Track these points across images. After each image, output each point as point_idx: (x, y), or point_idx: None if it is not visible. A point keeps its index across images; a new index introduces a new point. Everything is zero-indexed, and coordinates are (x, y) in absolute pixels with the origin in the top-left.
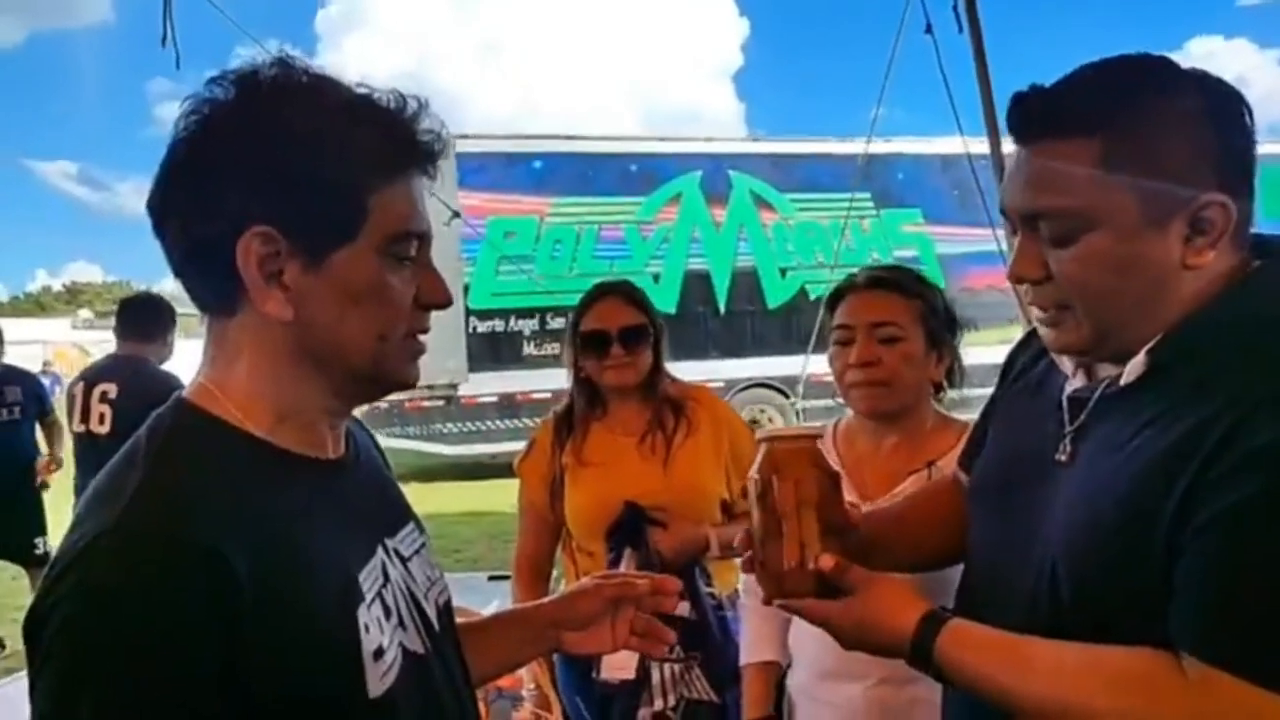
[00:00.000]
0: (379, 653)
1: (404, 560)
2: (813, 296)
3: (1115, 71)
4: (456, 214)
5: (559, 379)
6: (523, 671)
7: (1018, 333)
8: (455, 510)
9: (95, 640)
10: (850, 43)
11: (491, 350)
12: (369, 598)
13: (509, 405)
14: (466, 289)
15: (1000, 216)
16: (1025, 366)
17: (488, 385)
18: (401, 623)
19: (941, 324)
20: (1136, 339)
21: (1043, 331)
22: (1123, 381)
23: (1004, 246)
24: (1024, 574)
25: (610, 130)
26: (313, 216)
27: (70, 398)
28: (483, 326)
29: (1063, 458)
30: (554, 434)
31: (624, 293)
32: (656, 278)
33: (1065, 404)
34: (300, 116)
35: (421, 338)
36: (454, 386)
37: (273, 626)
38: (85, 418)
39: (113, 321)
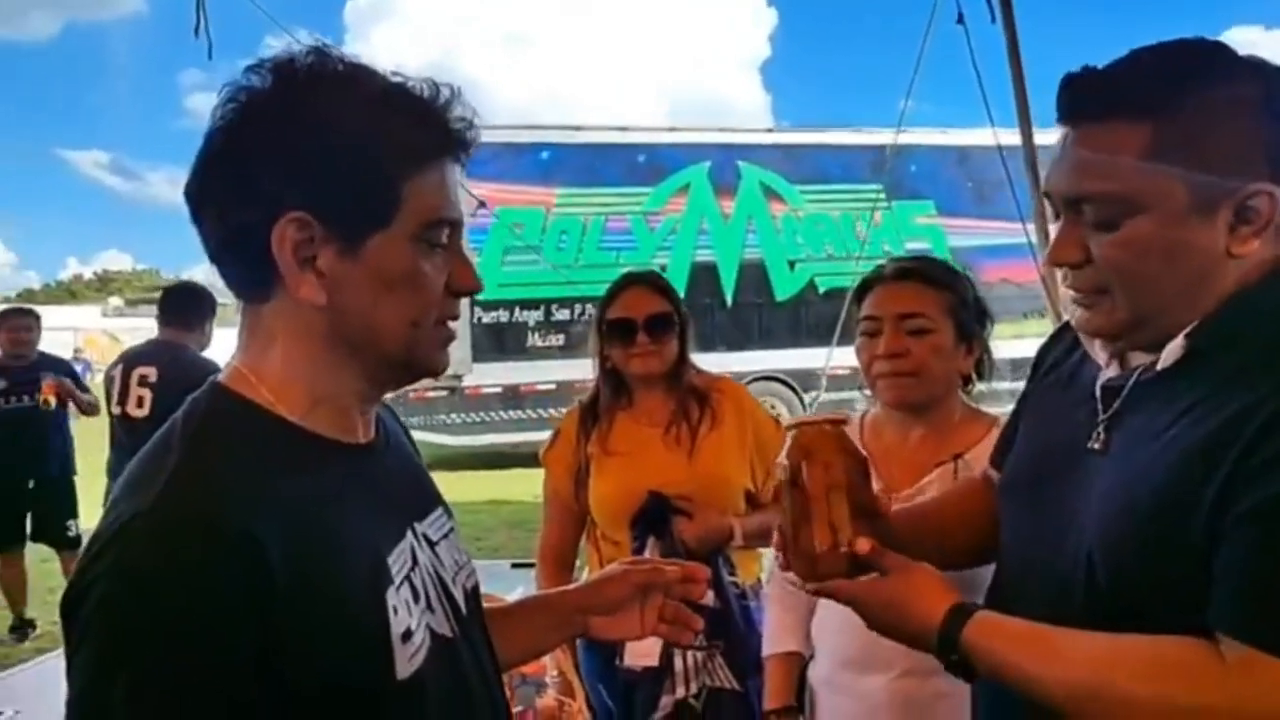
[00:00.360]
0: (407, 635)
1: (432, 544)
2: (821, 289)
3: (1170, 56)
4: (482, 204)
5: (563, 370)
6: (546, 658)
7: (1032, 327)
8: (477, 499)
9: (131, 622)
10: (879, 34)
11: (496, 341)
12: (398, 580)
13: (513, 396)
14: None
15: (1027, 208)
16: (1057, 360)
17: (492, 376)
18: (429, 606)
19: (971, 316)
20: (1172, 325)
21: (1076, 314)
22: (1160, 366)
23: (1033, 240)
24: (1057, 564)
25: (636, 121)
26: (348, 203)
27: (109, 380)
28: (487, 317)
29: (1096, 446)
30: (579, 424)
31: (651, 282)
32: (663, 269)
33: (1099, 393)
34: (336, 104)
35: (452, 324)
36: (458, 377)
37: (304, 610)
38: (123, 400)
39: (142, 309)
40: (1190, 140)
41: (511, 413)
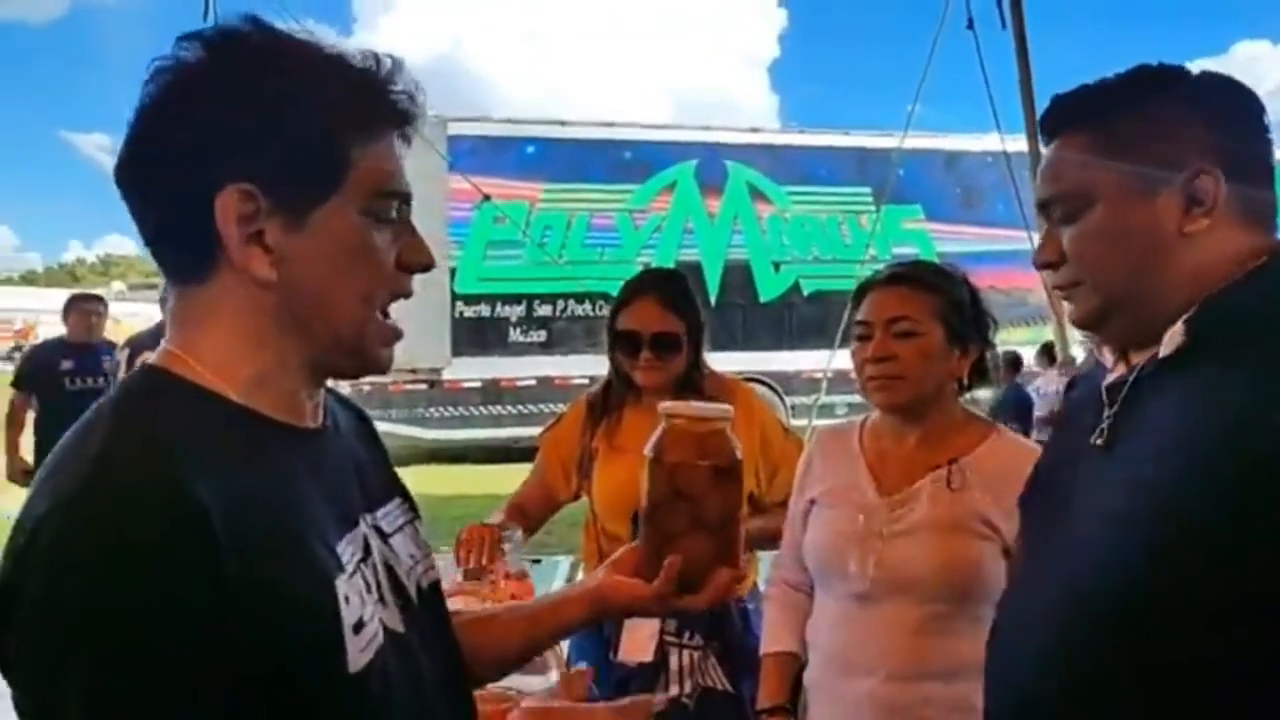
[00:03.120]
0: (359, 626)
1: (385, 536)
2: (806, 292)
3: (1120, 78)
4: (487, 197)
5: (544, 366)
6: None
7: (1018, 334)
8: (459, 492)
9: (72, 618)
10: (889, 37)
11: (477, 335)
12: (349, 569)
13: (493, 391)
14: (453, 273)
15: (1031, 215)
16: (1078, 392)
17: (472, 371)
18: (381, 599)
19: (966, 319)
20: (1147, 311)
21: (1067, 309)
22: (1162, 354)
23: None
24: (1060, 563)
25: (642, 119)
26: (293, 171)
27: (114, 366)
28: (469, 311)
29: (1099, 442)
30: (587, 413)
31: (663, 294)
32: (647, 267)
33: (1104, 393)
34: (275, 73)
35: (393, 320)
36: (437, 371)
37: (250, 590)
38: None
39: (145, 294)
40: (1127, 139)
41: (491, 408)
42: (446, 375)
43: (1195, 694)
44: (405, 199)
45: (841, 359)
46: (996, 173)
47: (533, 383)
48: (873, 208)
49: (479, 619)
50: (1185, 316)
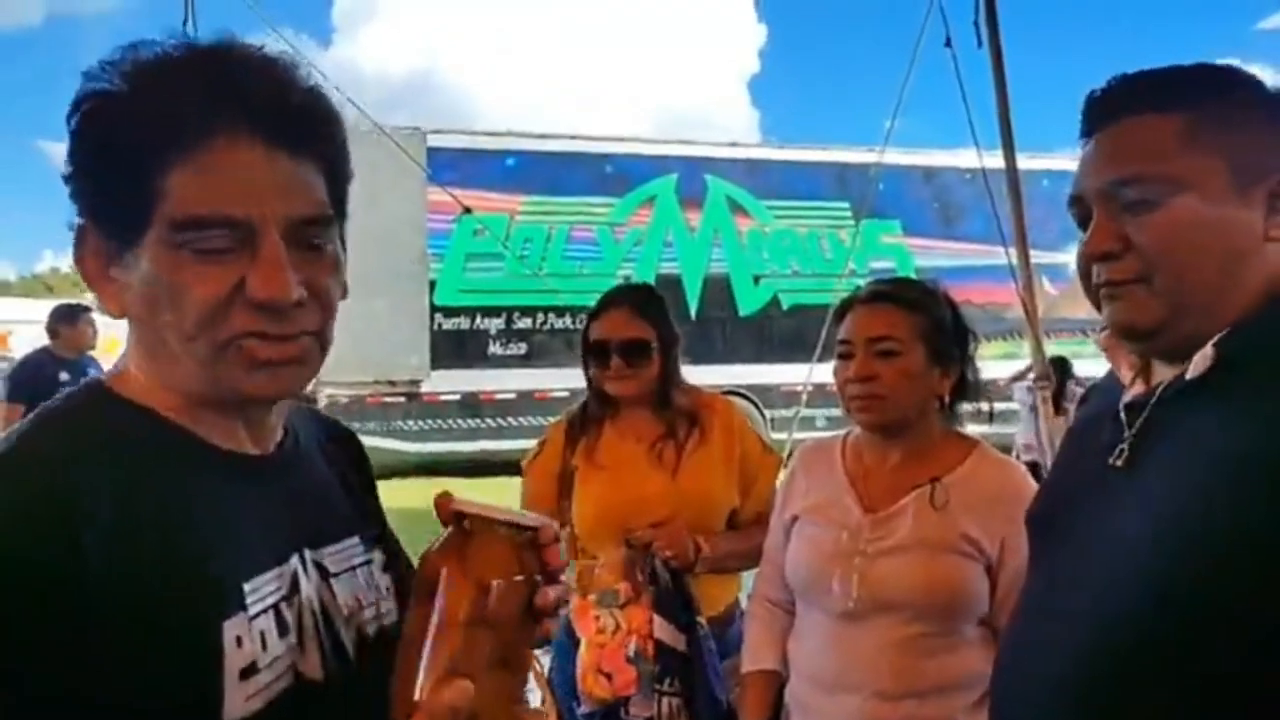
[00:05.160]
0: (250, 671)
1: (327, 575)
2: (786, 306)
3: (1195, 66)
4: (467, 209)
5: (524, 379)
6: None
7: (994, 349)
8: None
9: None
10: (868, 53)
11: (456, 348)
12: (255, 609)
13: (472, 404)
14: (433, 285)
15: (1008, 232)
16: (1088, 409)
17: (450, 383)
18: (300, 643)
19: (948, 338)
20: (1204, 323)
21: (1108, 311)
22: (1189, 375)
23: (1013, 261)
24: (1076, 588)
25: (623, 132)
26: (104, 208)
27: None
28: (448, 324)
29: (1119, 464)
30: (566, 433)
31: (633, 303)
32: (626, 280)
33: (1123, 412)
34: (95, 100)
35: (261, 344)
36: (416, 383)
37: (121, 616)
38: None
39: None
40: (1226, 126)
41: (470, 421)
42: (425, 387)
43: None
44: (237, 224)
45: (821, 373)
46: (974, 188)
47: (512, 395)
48: (852, 222)
49: None
50: (1215, 339)
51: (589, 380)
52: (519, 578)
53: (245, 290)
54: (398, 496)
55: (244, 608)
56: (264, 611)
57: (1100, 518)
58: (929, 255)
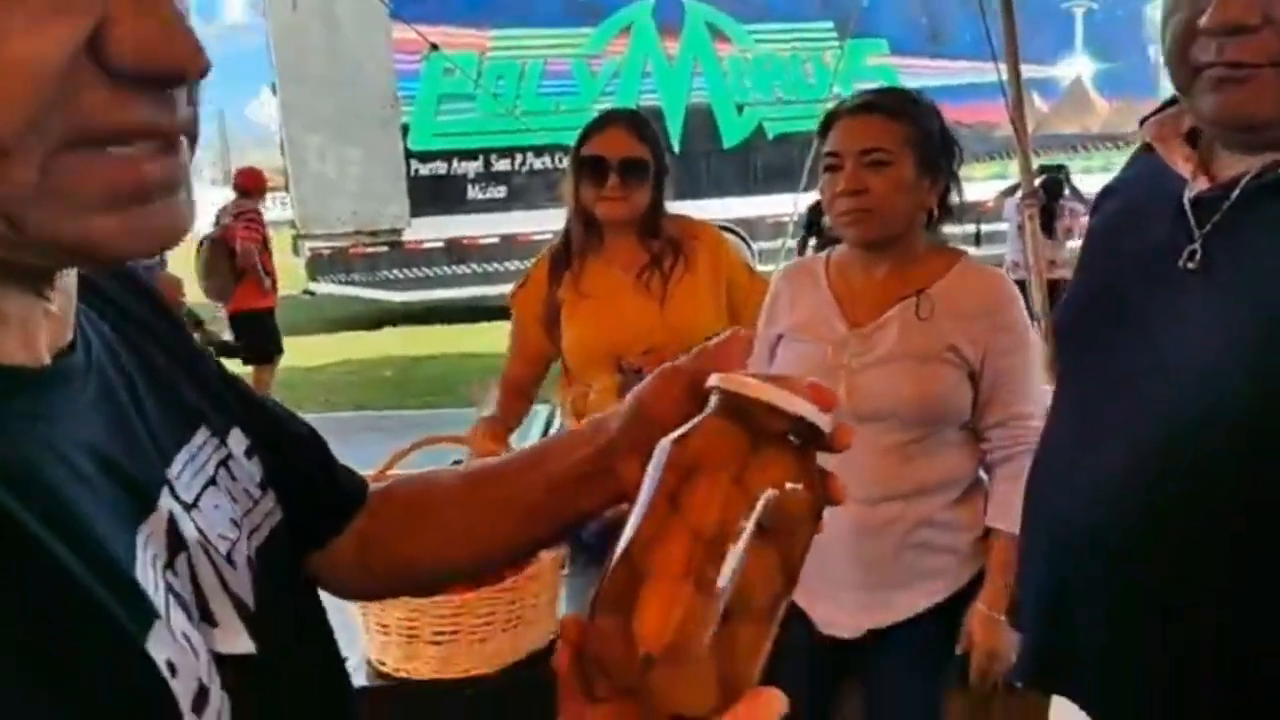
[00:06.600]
0: (201, 698)
1: (189, 507)
2: (771, 135)
3: None
4: (435, 46)
5: (504, 223)
6: None
7: (981, 170)
8: (436, 352)
9: None
10: None
11: (435, 194)
12: (161, 607)
13: (456, 250)
14: (406, 130)
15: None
16: (1118, 205)
17: (432, 230)
18: (209, 617)
19: (935, 148)
20: None
21: (1217, 97)
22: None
23: (1004, 77)
24: (1143, 392)
25: None
26: None
27: None
28: (424, 170)
29: (1191, 266)
30: (550, 267)
31: (631, 123)
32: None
33: (1189, 208)
34: None
35: (133, 150)
36: (397, 232)
37: None
38: None
39: None
40: None
41: (455, 268)
42: (407, 236)
43: None
44: None
45: (808, 203)
46: (965, 2)
47: (496, 240)
48: (836, 44)
49: (423, 497)
50: None
51: (576, 203)
52: (799, 485)
53: (103, 44)
54: (391, 346)
55: (154, 612)
56: (168, 598)
57: (1173, 320)
58: (917, 75)
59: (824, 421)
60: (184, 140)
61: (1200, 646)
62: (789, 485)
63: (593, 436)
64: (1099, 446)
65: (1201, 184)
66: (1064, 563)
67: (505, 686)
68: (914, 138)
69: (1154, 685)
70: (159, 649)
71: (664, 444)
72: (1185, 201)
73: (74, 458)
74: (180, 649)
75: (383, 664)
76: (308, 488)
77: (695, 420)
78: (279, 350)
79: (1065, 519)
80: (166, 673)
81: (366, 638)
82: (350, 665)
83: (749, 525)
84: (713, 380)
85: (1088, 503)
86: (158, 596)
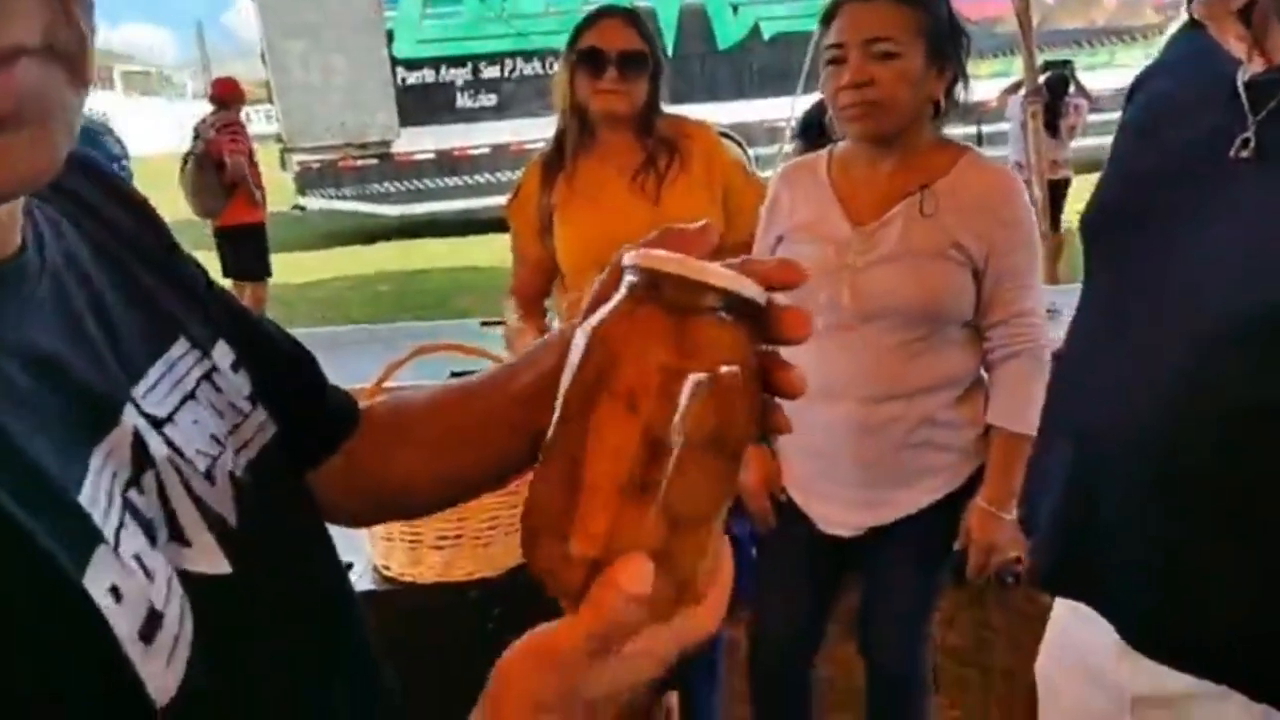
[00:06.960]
0: (151, 624)
1: (161, 424)
2: (767, 36)
3: None
4: None
5: (495, 132)
6: None
7: (984, 68)
8: (432, 266)
9: None
10: None
11: (423, 103)
12: (110, 531)
13: (447, 161)
14: (390, 36)
15: None
16: (1157, 90)
17: (421, 141)
18: (178, 535)
19: (944, 36)
20: None
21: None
22: None
23: None
24: (1197, 288)
25: None
26: None
27: None
28: (412, 78)
29: (1245, 154)
30: (541, 174)
31: (627, 16)
32: None
33: (1243, 92)
34: None
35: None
36: (386, 144)
37: None
38: None
39: None
40: None
41: (447, 179)
42: (396, 147)
43: None
44: None
45: (806, 106)
46: None
47: (487, 150)
48: None
49: (397, 418)
50: None
51: (571, 100)
52: (735, 368)
53: None
54: (387, 260)
55: (101, 538)
56: (124, 525)
57: (1216, 214)
58: None
59: (753, 292)
60: (42, 62)
61: (1243, 560)
62: (723, 368)
63: (559, 345)
64: (1139, 350)
65: (1257, 65)
66: (1093, 471)
67: (508, 588)
68: (924, 25)
69: (1185, 595)
70: (101, 575)
71: (580, 331)
72: (1239, 84)
73: (4, 366)
74: (128, 573)
75: (387, 568)
76: (298, 404)
77: (611, 303)
78: (268, 271)
79: (1095, 428)
80: (109, 599)
81: (371, 544)
82: (355, 571)
83: (678, 415)
84: (626, 259)
85: (1122, 410)
86: (110, 517)
